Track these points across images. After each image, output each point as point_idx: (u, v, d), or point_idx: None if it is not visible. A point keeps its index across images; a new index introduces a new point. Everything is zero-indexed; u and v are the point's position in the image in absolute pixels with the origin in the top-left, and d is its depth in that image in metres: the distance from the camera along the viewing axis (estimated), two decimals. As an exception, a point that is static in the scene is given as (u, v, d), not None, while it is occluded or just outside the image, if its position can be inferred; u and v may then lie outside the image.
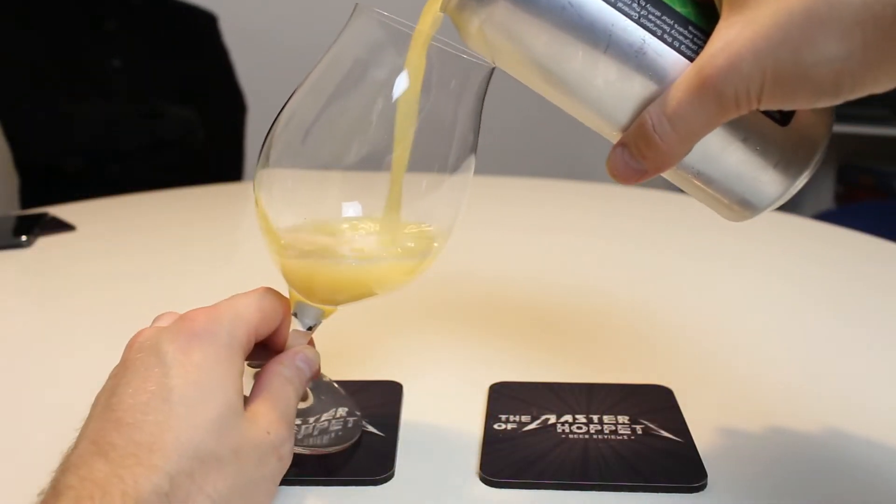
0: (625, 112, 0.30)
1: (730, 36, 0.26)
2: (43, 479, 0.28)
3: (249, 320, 0.34)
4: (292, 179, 0.35)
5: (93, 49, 1.38)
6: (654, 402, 0.43)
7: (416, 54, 0.33)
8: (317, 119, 0.34)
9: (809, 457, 0.39)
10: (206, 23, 1.50)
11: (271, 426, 0.32)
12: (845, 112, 2.10)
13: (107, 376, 0.32)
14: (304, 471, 0.37)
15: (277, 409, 0.33)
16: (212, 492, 0.28)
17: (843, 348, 0.53)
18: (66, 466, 0.28)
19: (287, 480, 0.36)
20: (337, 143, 0.34)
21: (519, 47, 0.30)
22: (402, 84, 0.33)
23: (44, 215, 0.86)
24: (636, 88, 0.29)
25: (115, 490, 0.26)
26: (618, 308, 0.61)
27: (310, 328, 0.38)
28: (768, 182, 0.31)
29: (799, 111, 0.30)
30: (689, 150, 0.29)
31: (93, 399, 0.31)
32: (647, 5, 0.29)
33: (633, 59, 0.29)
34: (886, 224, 1.41)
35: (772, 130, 0.30)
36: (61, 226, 0.84)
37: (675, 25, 0.29)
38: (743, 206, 0.32)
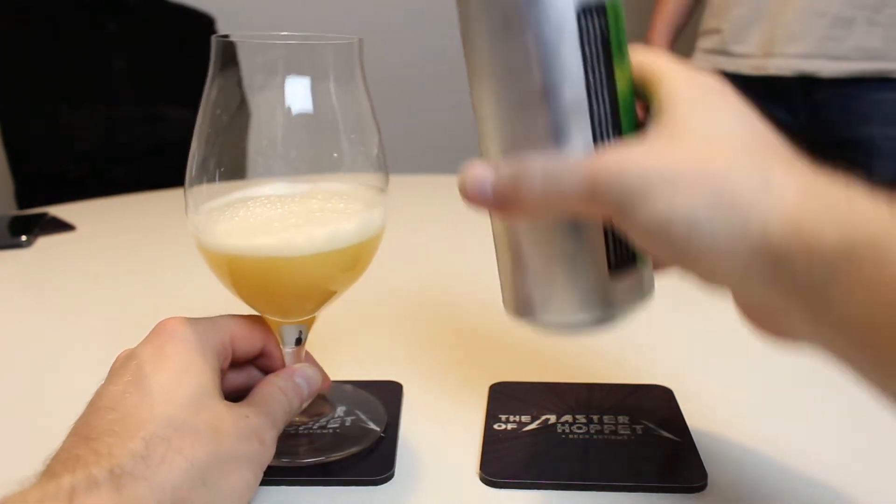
0: (519, 143, 0.30)
1: (648, 160, 0.27)
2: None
3: (223, 328, 0.36)
4: (212, 193, 0.37)
5: (93, 53, 1.38)
6: (654, 402, 0.43)
7: None
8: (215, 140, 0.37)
9: (809, 457, 0.39)
10: (203, 24, 1.49)
11: (251, 413, 0.33)
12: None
13: (105, 376, 0.33)
14: (305, 471, 0.37)
15: (263, 405, 0.34)
16: (189, 455, 0.29)
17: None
18: (51, 459, 0.29)
19: (287, 480, 0.36)
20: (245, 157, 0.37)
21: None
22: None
23: (44, 215, 0.86)
24: (544, 133, 0.29)
25: (90, 458, 0.27)
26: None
27: (297, 341, 0.38)
28: (559, 300, 0.31)
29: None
30: (542, 215, 0.30)
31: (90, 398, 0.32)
32: (604, 92, 0.29)
33: (562, 111, 0.29)
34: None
35: (600, 269, 0.30)
36: (61, 226, 0.84)
37: (609, 113, 0.29)
38: (523, 302, 0.32)
